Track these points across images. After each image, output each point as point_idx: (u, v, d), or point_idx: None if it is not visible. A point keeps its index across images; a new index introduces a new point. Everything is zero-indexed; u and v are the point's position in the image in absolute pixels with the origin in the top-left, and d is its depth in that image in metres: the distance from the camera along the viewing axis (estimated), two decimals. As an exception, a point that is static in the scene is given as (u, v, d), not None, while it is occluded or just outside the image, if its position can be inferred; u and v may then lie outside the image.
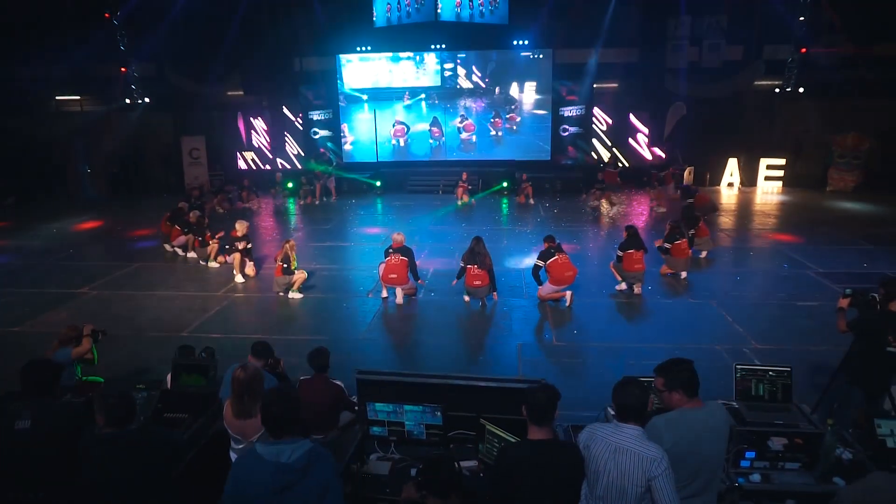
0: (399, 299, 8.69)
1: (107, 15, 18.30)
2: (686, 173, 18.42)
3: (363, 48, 18.98)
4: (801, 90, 18.04)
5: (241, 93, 20.09)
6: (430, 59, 19.09)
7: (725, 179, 19.09)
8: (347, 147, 20.04)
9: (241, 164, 20.62)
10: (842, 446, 3.76)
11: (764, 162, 18.75)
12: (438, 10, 18.36)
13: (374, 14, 18.35)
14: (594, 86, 18.98)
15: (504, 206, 16.81)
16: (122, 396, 3.12)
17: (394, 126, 19.70)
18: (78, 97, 20.43)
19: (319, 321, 8.28)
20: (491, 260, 8.46)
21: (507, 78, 19.12)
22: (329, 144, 20.11)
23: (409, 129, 19.71)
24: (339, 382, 4.67)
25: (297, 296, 9.06)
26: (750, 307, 8.34)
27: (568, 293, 8.42)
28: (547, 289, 8.45)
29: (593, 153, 19.77)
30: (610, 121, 19.62)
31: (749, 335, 7.34)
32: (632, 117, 19.41)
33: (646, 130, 19.44)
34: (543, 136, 19.34)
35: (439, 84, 19.22)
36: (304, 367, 4.71)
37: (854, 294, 4.95)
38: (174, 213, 11.89)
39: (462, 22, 18.40)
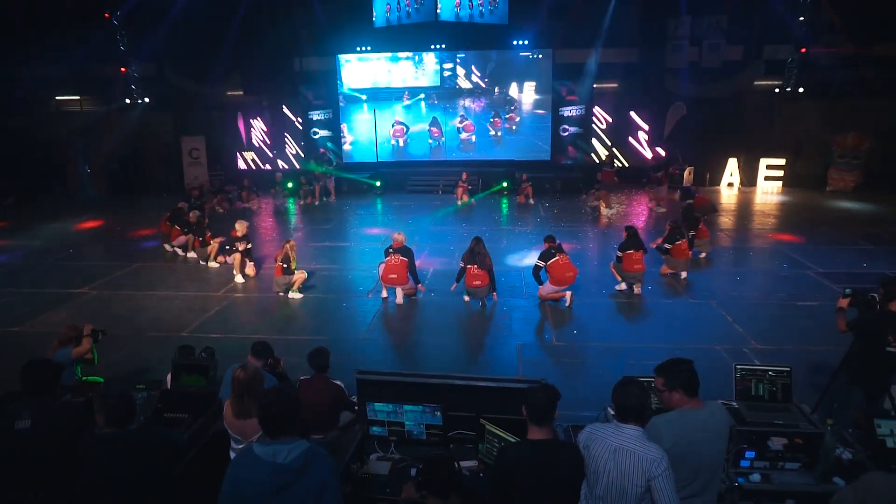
0: (399, 299, 8.69)
1: (107, 15, 18.30)
2: (686, 173, 18.42)
3: (363, 48, 18.98)
4: (801, 90, 18.05)
5: (241, 93, 20.09)
6: (430, 59, 19.10)
7: (725, 179, 19.09)
8: (347, 147, 20.04)
9: (241, 164, 20.62)
10: (842, 446, 3.76)
11: (764, 162, 18.76)
12: (438, 10, 18.36)
13: (374, 14, 18.36)
14: (594, 86, 18.98)
15: (504, 206, 16.81)
16: (122, 396, 3.11)
17: (393, 126, 19.70)
18: (78, 97, 20.43)
19: (319, 321, 8.28)
20: (491, 260, 8.46)
21: (507, 78, 19.12)
22: (329, 144, 20.12)
23: (408, 129, 19.71)
24: (339, 382, 4.68)
25: (297, 296, 9.06)
26: (750, 307, 8.34)
27: (568, 293, 8.42)
28: (547, 289, 8.46)
29: (593, 154, 19.77)
30: (610, 119, 19.62)
31: (749, 335, 7.34)
32: (632, 114, 19.42)
33: (646, 127, 19.45)
34: (543, 136, 19.34)
35: (438, 84, 19.22)
36: (304, 367, 4.71)
37: (854, 294, 4.95)
38: (174, 213, 11.89)
39: (462, 22, 18.40)
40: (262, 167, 20.55)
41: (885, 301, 4.65)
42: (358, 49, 19.01)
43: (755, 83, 18.68)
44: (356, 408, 4.48)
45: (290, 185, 17.85)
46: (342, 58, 19.18)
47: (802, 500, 3.57)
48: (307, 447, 2.58)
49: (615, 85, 19.35)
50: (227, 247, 10.47)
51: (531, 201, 16.75)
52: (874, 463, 3.63)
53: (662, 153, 19.27)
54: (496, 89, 19.23)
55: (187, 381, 4.69)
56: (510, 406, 3.44)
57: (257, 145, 20.74)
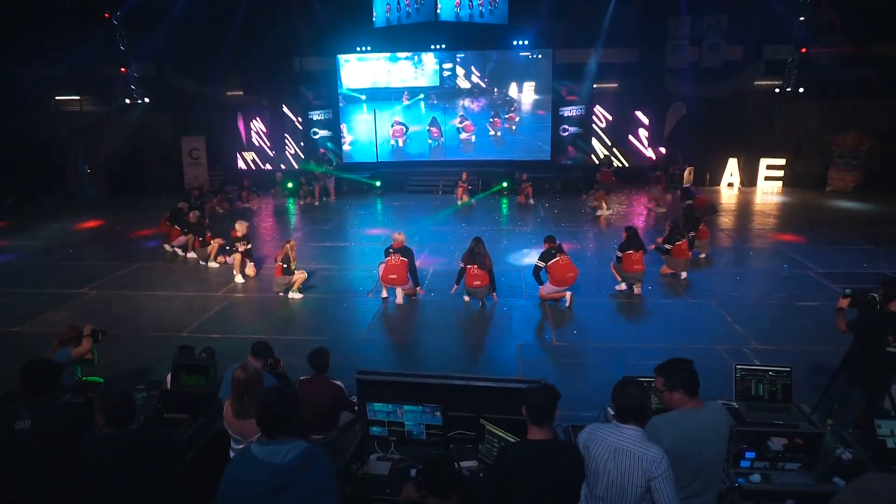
0: (399, 299, 8.69)
1: (107, 15, 18.31)
2: (686, 173, 18.43)
3: (363, 48, 18.98)
4: (801, 90, 18.05)
5: (241, 93, 20.10)
6: (429, 59, 19.09)
7: (725, 179, 19.09)
8: (346, 147, 20.04)
9: (241, 164, 20.63)
10: (842, 446, 3.76)
11: (764, 162, 18.76)
12: (438, 11, 18.35)
13: (374, 14, 18.35)
14: (594, 86, 18.98)
15: (504, 206, 16.81)
16: (122, 396, 3.11)
17: (392, 126, 19.70)
18: (78, 97, 20.43)
19: (319, 321, 8.28)
20: (491, 260, 8.46)
21: (507, 78, 19.12)
22: (329, 144, 20.12)
23: (407, 129, 19.71)
24: (338, 382, 4.67)
25: (297, 296, 9.06)
26: (750, 307, 8.34)
27: (568, 293, 8.42)
28: (547, 289, 8.46)
29: (593, 154, 19.76)
30: (610, 117, 19.61)
31: (749, 335, 7.34)
32: (633, 114, 19.40)
33: (646, 122, 19.44)
34: (543, 136, 19.33)
35: (438, 84, 19.21)
36: (304, 367, 4.71)
37: (854, 294, 4.94)
38: (174, 213, 11.89)
39: (461, 22, 18.40)
40: (262, 167, 20.56)
41: (885, 301, 4.64)
42: (358, 49, 19.01)
43: (755, 83, 18.68)
44: (356, 408, 4.48)
45: (289, 185, 17.86)
46: (342, 58, 19.18)
47: (802, 500, 3.56)
48: (305, 448, 2.58)
49: (615, 85, 19.34)
50: (228, 247, 10.47)
51: (531, 201, 16.75)
52: (874, 463, 3.63)
53: (663, 151, 19.25)
54: (496, 89, 19.23)
55: (187, 381, 4.69)
56: (510, 406, 3.43)
57: (257, 145, 20.74)
